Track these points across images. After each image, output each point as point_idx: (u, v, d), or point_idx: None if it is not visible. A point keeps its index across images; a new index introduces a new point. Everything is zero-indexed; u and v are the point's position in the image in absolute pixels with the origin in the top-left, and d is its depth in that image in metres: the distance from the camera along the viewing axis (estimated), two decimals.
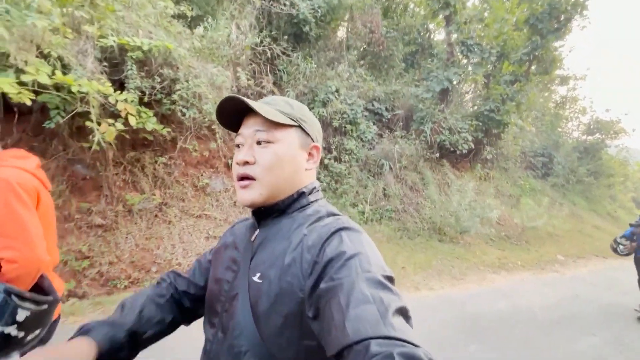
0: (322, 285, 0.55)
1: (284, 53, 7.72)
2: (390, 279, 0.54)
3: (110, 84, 3.70)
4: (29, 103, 2.94)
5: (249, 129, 0.69)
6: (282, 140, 0.68)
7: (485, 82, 9.18)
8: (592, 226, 11.23)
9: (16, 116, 3.94)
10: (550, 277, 5.88)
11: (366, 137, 8.34)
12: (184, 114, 4.48)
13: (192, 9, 5.51)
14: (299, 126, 0.71)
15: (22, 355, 0.63)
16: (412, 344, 0.44)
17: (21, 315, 0.92)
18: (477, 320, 3.63)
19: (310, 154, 0.74)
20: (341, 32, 10.00)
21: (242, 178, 0.69)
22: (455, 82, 7.83)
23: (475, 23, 7.73)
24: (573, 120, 14.31)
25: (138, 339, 0.71)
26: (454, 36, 8.15)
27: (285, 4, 7.52)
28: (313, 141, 0.74)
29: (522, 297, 4.56)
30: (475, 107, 8.62)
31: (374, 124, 8.81)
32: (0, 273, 1.04)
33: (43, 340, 1.20)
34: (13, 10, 3.14)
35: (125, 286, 3.97)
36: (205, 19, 5.66)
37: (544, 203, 8.72)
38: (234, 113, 0.71)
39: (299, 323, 0.58)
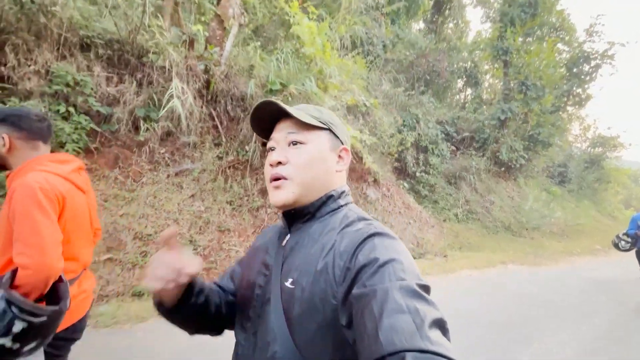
0: (355, 292, 0.53)
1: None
2: (425, 288, 0.52)
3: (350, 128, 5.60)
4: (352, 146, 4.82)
5: (281, 132, 0.71)
6: (313, 141, 0.70)
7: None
8: (604, 224, 13.81)
9: None
10: (603, 259, 8.13)
11: (444, 154, 10.45)
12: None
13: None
14: (329, 129, 0.73)
15: None
16: (450, 359, 0.43)
17: (17, 327, 0.94)
18: (593, 281, 5.78)
19: (340, 157, 0.75)
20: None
21: (275, 179, 0.70)
22: (516, 112, 10.08)
23: (530, 67, 10.04)
24: (581, 135, 17.02)
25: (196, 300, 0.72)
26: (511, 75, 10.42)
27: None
28: (342, 144, 0.76)
29: (602, 271, 6.71)
30: (522, 131, 10.93)
31: (446, 143, 10.96)
32: (16, 277, 1.05)
33: (69, 340, 1.31)
34: (320, 92, 5.06)
35: None
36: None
37: (583, 206, 11.11)
38: (267, 120, 0.74)
39: (333, 331, 0.57)
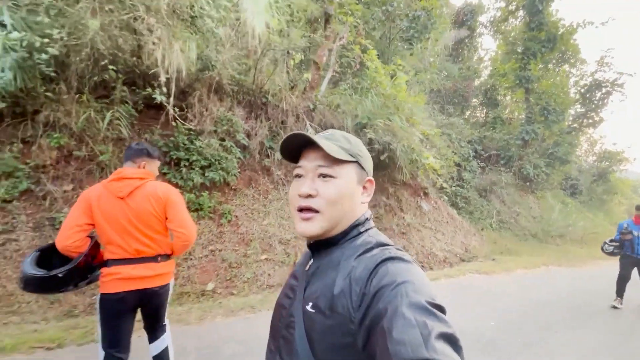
0: (370, 315, 0.57)
1: None
2: (438, 307, 0.54)
3: (429, 155, 6.84)
4: (438, 172, 6.06)
5: (310, 163, 0.72)
6: (342, 176, 0.71)
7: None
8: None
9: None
10: None
11: (474, 170, 11.73)
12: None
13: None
14: (357, 161, 0.74)
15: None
16: None
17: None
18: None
19: (364, 187, 0.77)
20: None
21: (303, 209, 0.71)
22: (538, 133, 11.44)
23: (549, 95, 11.45)
24: (588, 150, 18.41)
25: None
26: (532, 101, 11.81)
27: None
28: (367, 175, 0.77)
29: None
30: (542, 149, 12.27)
31: (475, 160, 12.26)
32: None
33: (106, 301, 1.77)
34: (410, 129, 6.31)
35: (442, 261, 7.03)
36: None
37: (597, 216, 12.36)
38: (295, 146, 0.75)
39: (353, 354, 0.59)
